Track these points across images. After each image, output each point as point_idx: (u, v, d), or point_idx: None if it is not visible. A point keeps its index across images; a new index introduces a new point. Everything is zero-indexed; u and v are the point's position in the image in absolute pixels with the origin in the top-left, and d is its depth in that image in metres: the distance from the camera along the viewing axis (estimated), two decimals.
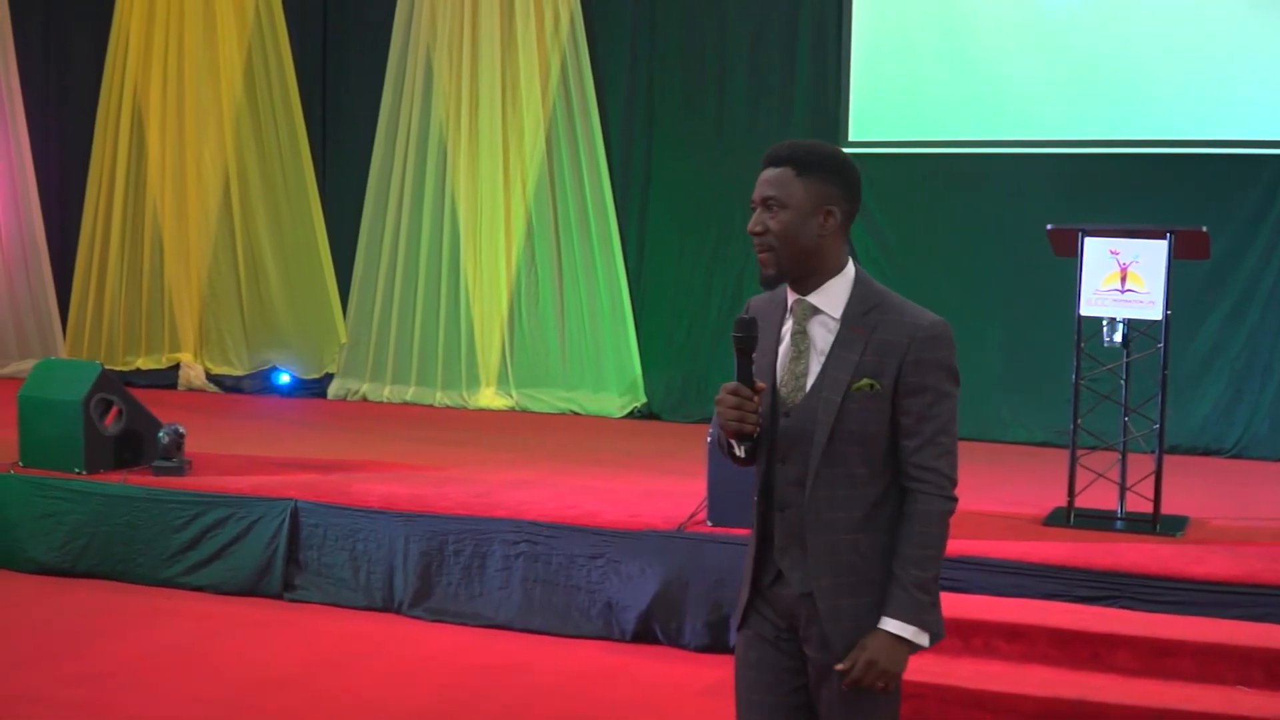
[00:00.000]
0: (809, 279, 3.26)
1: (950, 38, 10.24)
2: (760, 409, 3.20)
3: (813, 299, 3.27)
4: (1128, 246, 6.93)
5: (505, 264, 11.41)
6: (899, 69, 10.39)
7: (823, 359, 3.25)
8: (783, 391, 3.27)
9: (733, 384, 3.18)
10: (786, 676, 3.34)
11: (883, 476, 3.24)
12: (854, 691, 3.21)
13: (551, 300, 11.34)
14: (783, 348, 3.30)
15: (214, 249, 12.33)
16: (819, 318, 3.27)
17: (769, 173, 3.26)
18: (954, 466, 3.24)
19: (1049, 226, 7.21)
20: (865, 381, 3.20)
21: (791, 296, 3.31)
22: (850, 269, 3.30)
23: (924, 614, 3.20)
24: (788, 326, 3.30)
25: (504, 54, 11.37)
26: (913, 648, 3.20)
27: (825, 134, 10.45)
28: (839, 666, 3.19)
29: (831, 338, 3.25)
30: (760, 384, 3.21)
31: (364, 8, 12.02)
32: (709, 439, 6.76)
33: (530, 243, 11.37)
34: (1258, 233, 9.60)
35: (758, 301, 3.42)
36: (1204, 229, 6.93)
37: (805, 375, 3.26)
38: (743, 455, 3.28)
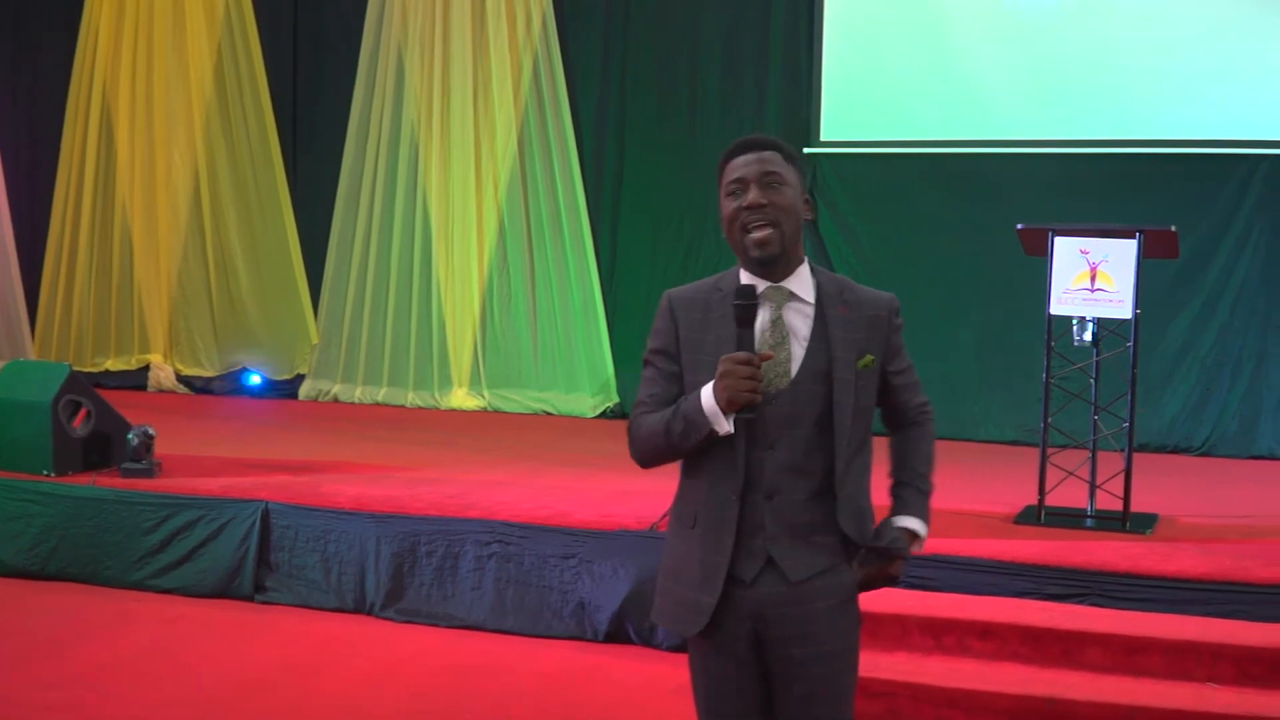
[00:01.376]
0: (786, 264, 3.31)
1: (921, 38, 10.27)
2: (761, 380, 3.20)
3: (788, 285, 3.31)
4: (1097, 246, 6.96)
5: (477, 264, 11.40)
6: (870, 69, 10.43)
7: (807, 343, 3.29)
8: (766, 379, 3.26)
9: (743, 354, 3.17)
10: (749, 685, 3.34)
11: (868, 443, 3.40)
12: (824, 685, 3.29)
13: (524, 300, 11.33)
14: (757, 335, 3.27)
15: (184, 249, 12.28)
16: (794, 304, 3.31)
17: (761, 154, 3.31)
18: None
19: (1019, 226, 7.24)
20: (868, 358, 3.32)
21: (760, 284, 3.30)
22: (805, 258, 3.40)
23: (928, 512, 3.49)
24: (761, 314, 3.29)
25: (476, 54, 11.36)
26: (920, 541, 3.46)
27: (797, 133, 10.50)
28: (891, 570, 3.38)
29: (811, 323, 3.30)
30: (768, 353, 3.23)
31: (335, 6, 11.99)
32: None
33: (502, 243, 11.36)
34: (1227, 232, 9.66)
35: (681, 293, 3.43)
36: (1173, 228, 6.97)
37: (789, 361, 3.28)
38: (728, 431, 3.20)
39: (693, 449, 3.28)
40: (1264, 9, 9.53)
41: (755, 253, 3.27)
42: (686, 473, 3.40)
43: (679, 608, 3.36)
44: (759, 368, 3.17)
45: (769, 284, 3.31)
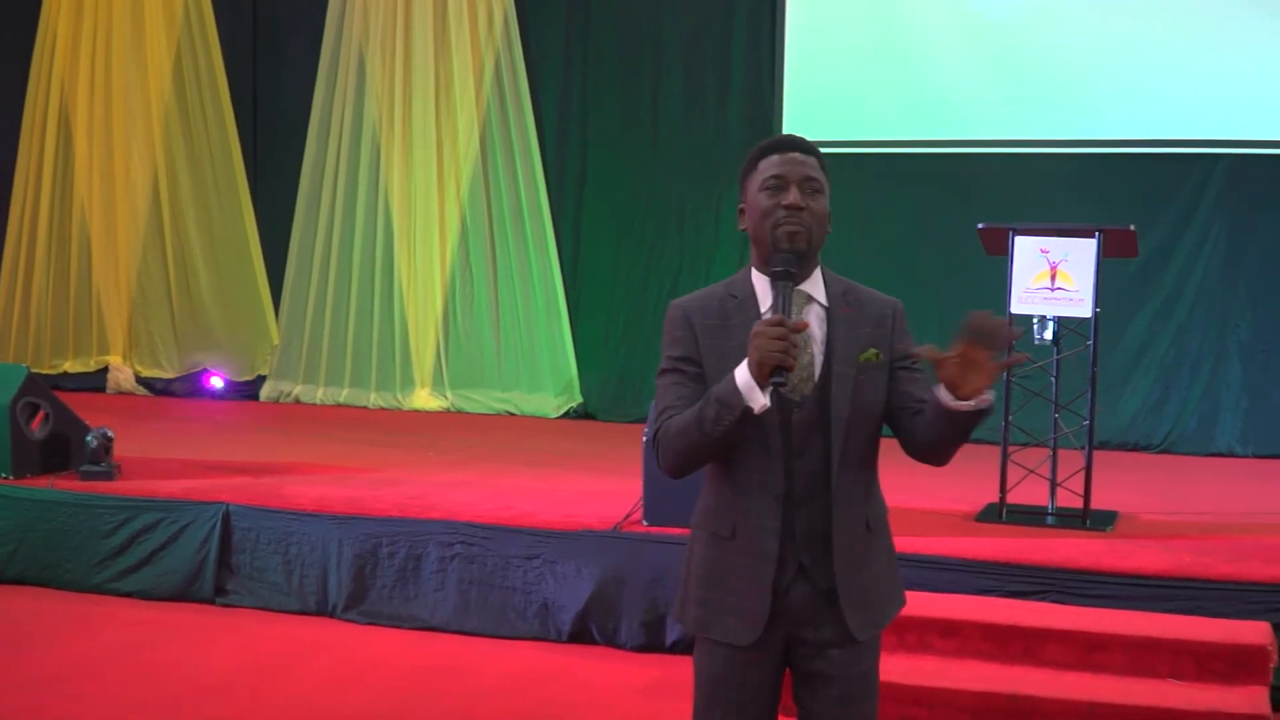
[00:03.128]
0: (809, 268, 3.32)
1: (884, 38, 10.30)
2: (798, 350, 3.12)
3: (807, 288, 3.32)
4: (1057, 245, 7.00)
5: (439, 264, 11.37)
6: (833, 68, 10.45)
7: (824, 345, 3.29)
8: (797, 384, 3.25)
9: (774, 316, 3.12)
10: (768, 690, 3.34)
11: (877, 448, 3.37)
12: (860, 684, 3.33)
13: (486, 300, 11.31)
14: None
15: (143, 250, 12.21)
16: (813, 306, 3.32)
17: (800, 157, 3.31)
18: None
19: (979, 225, 7.27)
20: (871, 352, 3.30)
21: (772, 290, 3.24)
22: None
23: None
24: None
25: (437, 53, 11.34)
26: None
27: (760, 133, 10.47)
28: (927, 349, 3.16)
29: (824, 326, 3.31)
30: (804, 321, 3.20)
31: (295, 6, 11.93)
32: (645, 438, 6.76)
33: (465, 243, 11.33)
34: (1186, 231, 9.73)
35: (691, 302, 3.38)
36: (1132, 228, 7.00)
37: (811, 365, 3.28)
38: (765, 404, 3.10)
39: (726, 436, 3.17)
40: (1223, 9, 9.58)
41: (785, 244, 3.24)
42: (718, 481, 3.35)
43: (728, 618, 3.31)
44: (791, 330, 3.07)
45: (795, 286, 3.28)
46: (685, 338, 3.33)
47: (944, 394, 3.12)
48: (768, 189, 3.29)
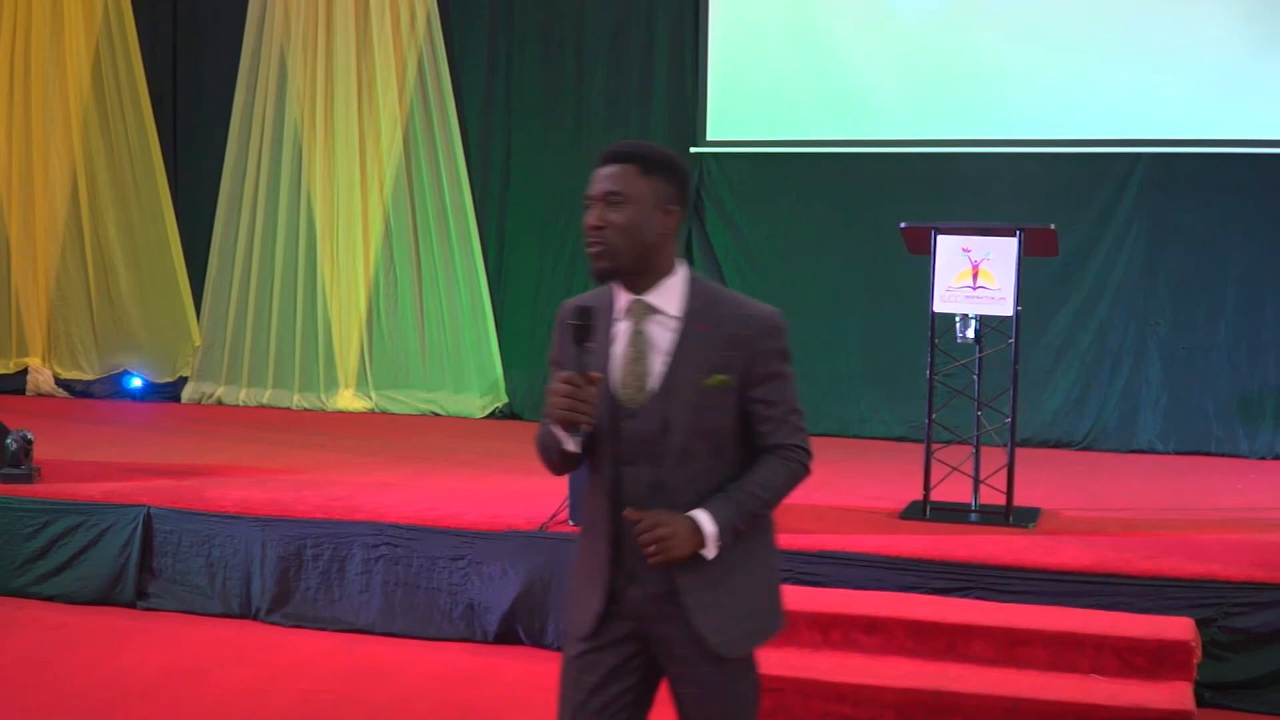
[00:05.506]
0: (643, 277, 3.28)
1: (805, 39, 10.34)
2: (594, 401, 3.18)
3: (649, 298, 3.29)
4: (979, 244, 7.05)
5: (363, 264, 11.31)
6: (755, 69, 10.49)
7: (668, 358, 3.26)
8: (623, 394, 3.27)
9: (565, 373, 3.18)
10: (618, 676, 3.33)
11: (730, 465, 3.29)
12: (723, 687, 3.28)
13: (411, 301, 11.26)
14: (618, 349, 3.29)
15: (62, 250, 12.06)
16: (656, 317, 3.28)
17: (610, 169, 3.28)
18: (807, 439, 3.34)
19: (902, 225, 7.31)
20: (719, 378, 3.23)
21: (626, 297, 3.30)
22: (683, 268, 3.33)
23: (729, 529, 3.22)
24: (623, 327, 3.30)
25: (360, 52, 11.28)
26: (702, 547, 3.21)
27: (684, 133, 10.53)
28: (627, 512, 3.22)
29: (674, 337, 3.26)
30: (595, 374, 3.20)
31: (215, 6, 11.83)
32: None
33: (389, 243, 11.28)
34: (1106, 229, 9.83)
35: (568, 303, 3.39)
36: (1052, 226, 7.07)
37: (646, 376, 3.26)
38: (572, 449, 3.25)
39: (562, 463, 3.34)
40: (1142, 7, 9.70)
41: (593, 269, 3.27)
42: (586, 479, 3.43)
43: (575, 609, 3.39)
44: (583, 387, 3.15)
45: (633, 297, 3.29)
46: (557, 340, 3.40)
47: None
48: (585, 209, 3.31)
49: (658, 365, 3.26)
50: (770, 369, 3.27)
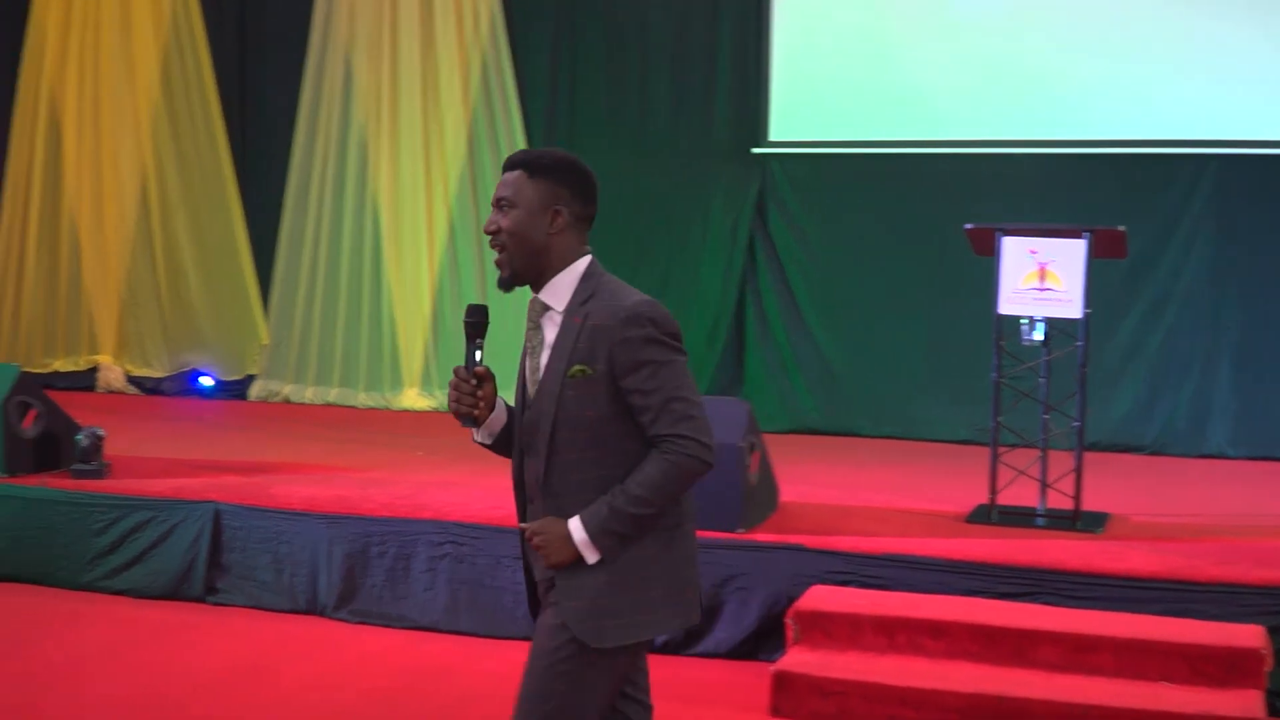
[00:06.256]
0: (541, 277, 3.43)
1: (870, 39, 10.30)
2: (481, 396, 3.39)
3: (543, 296, 3.44)
4: (1045, 246, 7.00)
5: (428, 264, 11.36)
6: (819, 69, 10.45)
7: (549, 352, 3.40)
8: (530, 389, 3.44)
9: (457, 367, 3.40)
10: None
11: (618, 457, 3.35)
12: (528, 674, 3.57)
13: (474, 300, 11.27)
14: (527, 346, 3.47)
15: (132, 250, 12.18)
16: (549, 314, 3.43)
17: (504, 176, 3.44)
18: (699, 428, 3.34)
19: (967, 226, 7.27)
20: (578, 368, 3.34)
21: (533, 296, 3.47)
22: (581, 264, 3.45)
23: (604, 533, 3.32)
24: (529, 325, 3.47)
25: (424, 53, 11.32)
26: (578, 553, 3.34)
27: (747, 134, 10.53)
28: (521, 525, 3.48)
29: (556, 331, 3.41)
30: (480, 369, 3.39)
31: (282, 7, 11.91)
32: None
33: (453, 243, 11.32)
34: (1175, 232, 9.74)
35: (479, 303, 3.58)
36: (1121, 228, 7.01)
37: (538, 370, 3.42)
38: (479, 440, 3.52)
39: (496, 447, 3.57)
40: (1213, 9, 9.60)
41: (497, 282, 3.50)
42: None
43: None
44: (466, 381, 3.38)
45: (534, 296, 3.47)
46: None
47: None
48: None
49: (544, 359, 3.41)
50: (638, 357, 3.31)
